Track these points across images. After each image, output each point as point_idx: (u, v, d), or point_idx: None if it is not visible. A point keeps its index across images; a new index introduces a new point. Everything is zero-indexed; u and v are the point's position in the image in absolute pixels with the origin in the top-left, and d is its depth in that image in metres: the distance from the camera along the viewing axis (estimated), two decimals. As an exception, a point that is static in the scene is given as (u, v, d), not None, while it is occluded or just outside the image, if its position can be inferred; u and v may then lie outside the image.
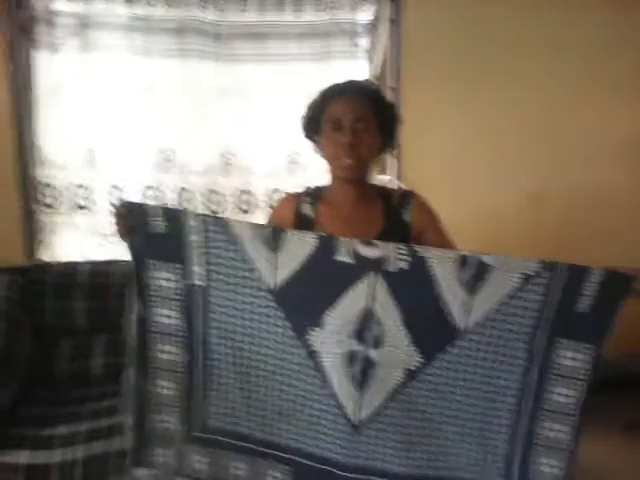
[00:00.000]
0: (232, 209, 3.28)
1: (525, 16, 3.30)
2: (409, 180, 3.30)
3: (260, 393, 1.58)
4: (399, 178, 3.35)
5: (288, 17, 3.21)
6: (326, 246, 1.45)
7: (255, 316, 1.52)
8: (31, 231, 3.17)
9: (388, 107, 1.72)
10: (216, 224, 1.52)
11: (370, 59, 3.27)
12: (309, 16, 3.22)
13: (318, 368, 1.51)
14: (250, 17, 3.18)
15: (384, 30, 3.24)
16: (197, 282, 1.55)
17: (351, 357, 1.49)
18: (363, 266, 1.45)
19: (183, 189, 3.26)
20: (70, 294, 2.95)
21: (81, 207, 3.20)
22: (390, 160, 3.36)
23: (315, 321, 1.47)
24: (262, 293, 1.50)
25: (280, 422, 1.58)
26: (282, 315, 1.50)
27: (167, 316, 1.58)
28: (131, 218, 1.57)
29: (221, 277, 1.53)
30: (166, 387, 1.60)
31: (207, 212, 3.24)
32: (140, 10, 3.09)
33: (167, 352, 1.59)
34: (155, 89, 3.16)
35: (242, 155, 3.25)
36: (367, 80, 1.75)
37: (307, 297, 1.49)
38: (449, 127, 3.37)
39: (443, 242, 1.70)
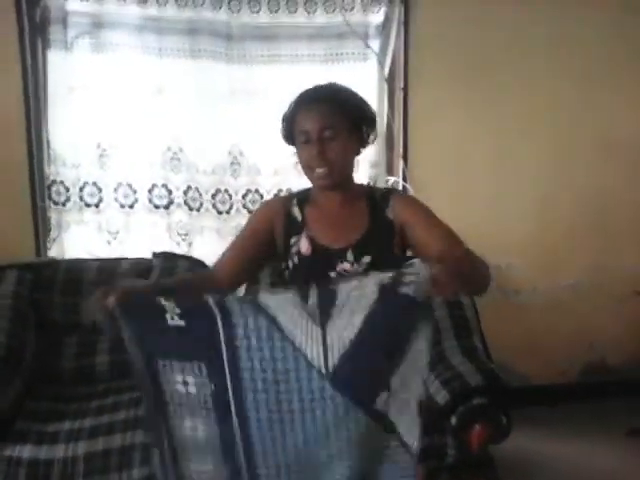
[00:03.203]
0: (239, 209, 3.30)
1: (532, 17, 3.30)
2: (415, 180, 3.31)
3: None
4: (405, 178, 3.35)
5: (300, 18, 3.22)
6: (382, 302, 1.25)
7: (307, 405, 1.29)
8: (41, 228, 3.21)
9: (357, 106, 1.69)
10: (248, 303, 1.28)
11: (380, 61, 3.28)
12: (321, 18, 3.23)
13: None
14: (262, 18, 3.20)
15: (394, 31, 3.25)
16: (228, 382, 1.29)
17: None
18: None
19: (190, 188, 3.29)
20: (78, 291, 2.97)
21: (90, 205, 3.23)
22: (396, 160, 3.37)
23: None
24: (314, 377, 1.28)
25: None
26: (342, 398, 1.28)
27: (192, 428, 1.34)
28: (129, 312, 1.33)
29: (257, 371, 1.28)
30: None
31: (214, 212, 3.29)
32: (153, 10, 3.11)
33: (204, 472, 1.36)
34: (166, 89, 3.18)
35: (250, 155, 3.27)
36: (333, 83, 1.73)
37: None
38: (456, 127, 3.37)
39: (431, 235, 1.65)
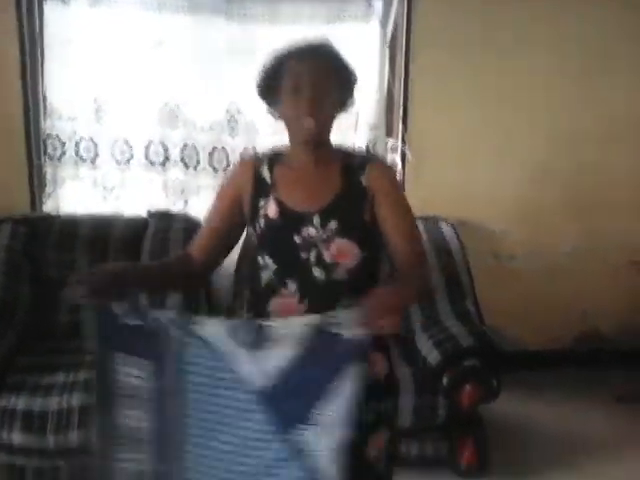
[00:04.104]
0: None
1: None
2: (414, 144, 3.29)
3: None
4: (404, 142, 3.34)
5: (302, -24, 3.17)
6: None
7: (235, 416, 1.40)
8: (36, 182, 3.19)
9: (346, 67, 1.65)
10: (190, 327, 1.40)
11: (382, 23, 3.23)
12: (323, -24, 3.18)
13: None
14: (263, -25, 3.15)
15: (397, -7, 3.20)
16: (170, 383, 1.43)
17: None
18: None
19: (186, 145, 3.26)
20: (72, 246, 2.96)
21: (86, 160, 3.21)
22: (396, 123, 3.34)
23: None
24: (244, 394, 1.38)
25: None
26: (265, 416, 1.38)
27: (137, 418, 1.46)
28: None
29: (197, 378, 1.42)
30: None
31: (211, 170, 3.27)
32: (152, -36, 3.06)
33: (136, 460, 1.47)
34: (164, 44, 3.13)
35: (248, 113, 3.24)
36: (323, 39, 1.69)
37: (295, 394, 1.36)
38: (457, 93, 3.34)
39: (395, 226, 1.60)
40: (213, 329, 1.39)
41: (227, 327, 1.38)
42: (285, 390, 1.34)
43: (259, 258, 1.61)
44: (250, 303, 1.69)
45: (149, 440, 1.45)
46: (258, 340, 1.35)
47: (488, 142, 3.42)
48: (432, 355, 2.58)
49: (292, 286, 1.55)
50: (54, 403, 2.36)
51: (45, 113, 3.13)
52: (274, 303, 1.57)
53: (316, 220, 1.57)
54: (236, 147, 3.27)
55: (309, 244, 1.56)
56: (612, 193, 3.57)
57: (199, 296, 2.87)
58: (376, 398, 1.55)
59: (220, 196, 1.71)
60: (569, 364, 3.56)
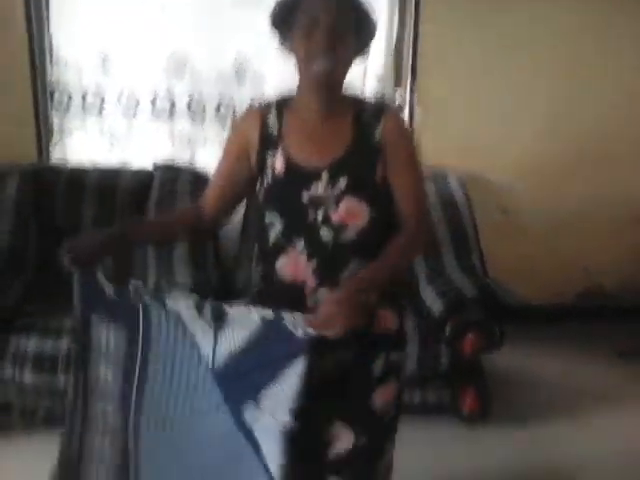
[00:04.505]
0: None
1: None
2: (423, 95, 3.26)
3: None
4: (412, 93, 3.32)
5: None
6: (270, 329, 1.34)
7: (191, 387, 1.45)
8: (43, 133, 3.19)
9: (366, 11, 1.54)
10: (157, 301, 1.45)
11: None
12: None
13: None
14: None
15: None
16: (139, 351, 1.49)
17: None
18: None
19: (193, 96, 3.25)
20: (80, 198, 2.98)
21: (93, 111, 3.20)
22: (405, 73, 3.32)
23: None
24: (201, 369, 1.43)
25: None
26: (218, 392, 1.42)
27: (105, 377, 1.54)
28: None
29: (161, 349, 1.47)
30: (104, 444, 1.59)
31: (217, 121, 3.26)
32: None
33: (106, 412, 1.56)
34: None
35: (256, 64, 3.22)
36: None
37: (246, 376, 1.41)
38: (469, 43, 3.30)
39: (404, 175, 1.53)
40: (184, 305, 1.41)
41: (196, 304, 1.40)
42: (236, 371, 1.37)
43: (266, 214, 1.55)
44: (258, 259, 1.64)
45: (113, 398, 1.53)
46: (220, 321, 1.37)
47: (496, 95, 3.39)
48: (436, 305, 2.61)
49: (300, 245, 1.50)
50: (64, 345, 2.41)
51: (51, 63, 3.11)
52: (282, 261, 1.53)
53: (325, 177, 1.48)
54: (243, 98, 3.25)
55: (316, 203, 1.49)
56: (617, 150, 3.54)
57: (207, 249, 2.90)
58: (385, 351, 1.54)
59: (227, 148, 1.63)
60: (572, 319, 3.58)
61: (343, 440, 1.54)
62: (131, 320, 1.47)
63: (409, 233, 1.50)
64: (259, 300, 1.56)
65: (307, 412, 1.33)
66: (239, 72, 3.23)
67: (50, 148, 3.20)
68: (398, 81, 3.33)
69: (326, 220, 1.48)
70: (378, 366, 1.53)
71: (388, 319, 1.55)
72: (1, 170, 2.94)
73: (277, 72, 3.18)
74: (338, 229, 1.48)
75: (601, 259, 3.64)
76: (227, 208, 1.66)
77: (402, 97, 3.31)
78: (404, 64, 3.32)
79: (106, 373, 1.51)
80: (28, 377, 2.39)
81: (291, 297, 1.49)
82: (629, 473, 2.48)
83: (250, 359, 1.35)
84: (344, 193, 1.47)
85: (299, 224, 1.50)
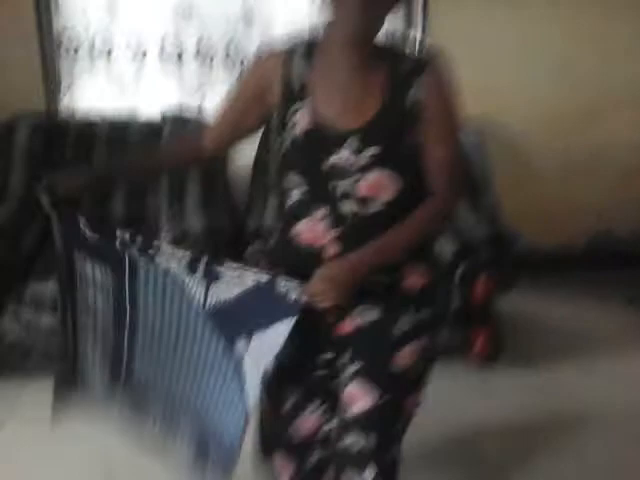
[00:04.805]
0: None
1: None
2: (435, 36, 3.21)
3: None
4: (423, 30, 3.27)
5: None
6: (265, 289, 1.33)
7: (182, 323, 1.46)
8: (51, 78, 3.16)
9: None
10: (145, 257, 1.41)
11: None
12: None
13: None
14: None
15: None
16: (126, 290, 1.48)
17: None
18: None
19: (202, 38, 3.21)
20: (89, 150, 2.98)
21: (100, 55, 3.17)
22: (417, 14, 3.26)
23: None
24: (192, 309, 1.42)
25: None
26: (211, 328, 1.43)
27: (93, 297, 1.53)
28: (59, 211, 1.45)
29: (149, 297, 1.46)
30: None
31: (226, 65, 3.22)
32: None
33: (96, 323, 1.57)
34: None
35: (264, 6, 3.16)
36: None
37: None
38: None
39: (443, 139, 1.39)
40: (175, 263, 1.38)
41: (189, 264, 1.37)
42: (227, 315, 1.37)
43: (286, 176, 1.42)
44: (279, 216, 1.53)
45: (105, 321, 1.54)
46: (213, 279, 1.35)
47: (511, 39, 3.33)
48: (447, 248, 2.62)
49: (320, 213, 1.38)
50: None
51: (58, 7, 3.07)
52: (300, 226, 1.41)
53: (353, 142, 1.33)
54: (252, 42, 3.20)
55: (341, 172, 1.35)
56: (630, 94, 3.50)
57: (218, 194, 2.91)
58: (412, 309, 1.45)
59: (241, 86, 1.49)
60: (583, 265, 3.59)
61: (363, 399, 1.48)
62: (116, 264, 1.44)
63: (436, 204, 1.39)
64: (273, 257, 1.53)
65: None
66: (247, 15, 3.18)
67: (59, 97, 3.18)
68: (410, 22, 3.28)
69: (349, 193, 1.35)
70: (404, 325, 1.44)
71: (412, 276, 1.44)
72: (11, 121, 2.93)
73: (286, 14, 3.14)
74: (364, 202, 1.36)
75: (612, 205, 3.62)
76: (229, 144, 1.58)
77: (414, 38, 3.25)
78: (415, 4, 3.26)
79: (95, 297, 1.51)
80: (45, 321, 2.44)
81: (307, 262, 1.40)
82: (634, 415, 2.53)
83: (242, 309, 1.35)
84: (372, 163, 1.33)
85: (320, 192, 1.37)
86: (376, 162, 1.33)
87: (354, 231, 1.37)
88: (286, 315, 1.28)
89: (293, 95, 1.39)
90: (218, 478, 1.51)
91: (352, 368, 1.46)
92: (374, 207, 1.36)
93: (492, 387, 2.64)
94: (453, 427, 2.38)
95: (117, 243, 1.40)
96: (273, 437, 1.65)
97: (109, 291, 1.48)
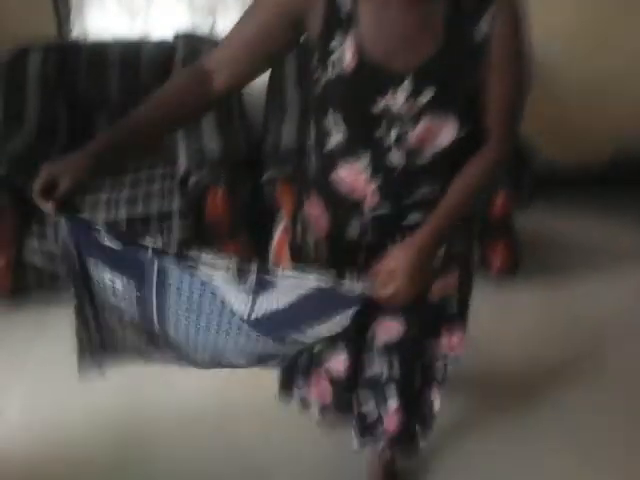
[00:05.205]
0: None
1: None
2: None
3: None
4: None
5: None
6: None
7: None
8: (62, 6, 3.09)
9: None
10: (184, 268, 1.19)
11: None
12: None
13: None
14: None
15: None
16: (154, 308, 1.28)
17: None
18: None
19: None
20: (102, 72, 2.96)
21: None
22: None
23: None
24: (234, 318, 1.27)
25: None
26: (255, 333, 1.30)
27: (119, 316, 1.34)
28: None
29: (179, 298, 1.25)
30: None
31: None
32: None
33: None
34: None
35: None
36: None
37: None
38: None
39: (506, 78, 1.22)
40: (216, 269, 1.18)
41: (235, 270, 1.17)
42: (275, 322, 1.26)
43: (326, 116, 1.26)
44: (317, 156, 1.36)
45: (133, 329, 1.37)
46: (262, 288, 1.18)
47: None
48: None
49: (364, 161, 1.26)
50: (101, 217, 2.47)
51: None
52: (340, 172, 1.30)
53: (407, 84, 1.17)
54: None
55: (392, 118, 1.21)
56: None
57: (234, 115, 2.88)
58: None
59: (266, 7, 1.22)
60: (602, 184, 3.54)
61: (391, 330, 1.49)
62: (140, 277, 1.22)
63: (491, 155, 1.25)
64: (312, 190, 1.41)
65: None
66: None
67: (69, 24, 3.13)
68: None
69: (400, 140, 1.22)
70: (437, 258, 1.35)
71: None
72: (22, 49, 2.90)
73: None
74: (414, 153, 1.24)
75: (632, 125, 3.54)
76: (246, 75, 1.27)
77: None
78: None
79: (118, 303, 1.30)
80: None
81: (347, 210, 1.33)
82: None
83: (295, 313, 1.23)
84: (428, 108, 1.19)
85: (366, 137, 1.24)
86: (432, 106, 1.19)
87: (398, 184, 1.27)
88: (348, 307, 1.21)
89: (338, 25, 1.19)
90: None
91: None
92: (424, 158, 1.25)
93: (511, 302, 2.66)
94: (471, 342, 2.36)
95: (149, 252, 1.16)
96: (301, 370, 1.67)
97: (132, 301, 1.29)
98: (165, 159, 2.76)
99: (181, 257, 1.17)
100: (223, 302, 1.21)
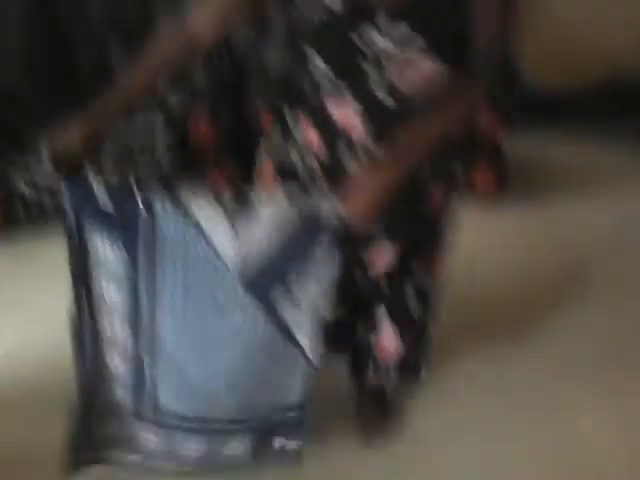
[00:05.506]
0: None
1: None
2: None
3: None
4: None
5: None
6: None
7: (209, 289, 1.34)
8: None
9: None
10: (177, 209, 1.25)
11: None
12: None
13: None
14: None
15: None
16: (143, 275, 1.33)
17: None
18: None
19: None
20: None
21: None
22: None
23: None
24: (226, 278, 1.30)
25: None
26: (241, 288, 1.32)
27: (113, 291, 1.37)
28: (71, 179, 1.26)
29: (172, 258, 1.31)
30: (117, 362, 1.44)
31: None
32: None
33: (115, 329, 1.40)
34: None
35: None
36: None
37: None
38: None
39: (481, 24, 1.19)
40: (210, 213, 1.25)
41: (226, 210, 1.24)
42: (264, 272, 1.28)
43: (308, 51, 1.27)
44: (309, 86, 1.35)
45: (122, 314, 1.40)
46: (248, 226, 1.24)
47: None
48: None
49: (350, 96, 1.26)
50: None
51: None
52: (332, 104, 1.29)
53: (383, 18, 1.17)
54: None
55: (374, 56, 1.20)
56: None
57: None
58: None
59: None
60: (593, 108, 3.50)
61: (388, 257, 1.46)
62: (132, 233, 1.29)
63: (469, 89, 1.25)
64: (306, 123, 1.38)
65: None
66: None
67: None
68: None
69: (383, 77, 1.22)
70: (426, 170, 1.37)
71: None
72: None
73: None
74: (397, 89, 1.23)
75: (624, 48, 3.50)
76: (231, 26, 1.34)
77: None
78: None
79: (108, 289, 1.37)
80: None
81: (338, 137, 1.33)
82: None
83: (278, 253, 1.26)
84: (406, 42, 1.18)
85: (349, 74, 1.24)
86: (409, 42, 1.17)
87: (384, 119, 1.27)
88: (320, 235, 1.23)
89: None
90: (291, 452, 1.49)
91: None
92: (409, 93, 1.24)
93: (496, 225, 2.66)
94: (458, 266, 2.34)
95: (139, 203, 1.25)
96: None
97: (122, 277, 1.35)
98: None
99: (168, 195, 1.24)
100: (216, 253, 1.26)
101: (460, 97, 1.25)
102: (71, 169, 1.24)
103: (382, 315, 1.55)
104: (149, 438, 1.48)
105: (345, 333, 1.59)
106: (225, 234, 1.25)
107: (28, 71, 2.71)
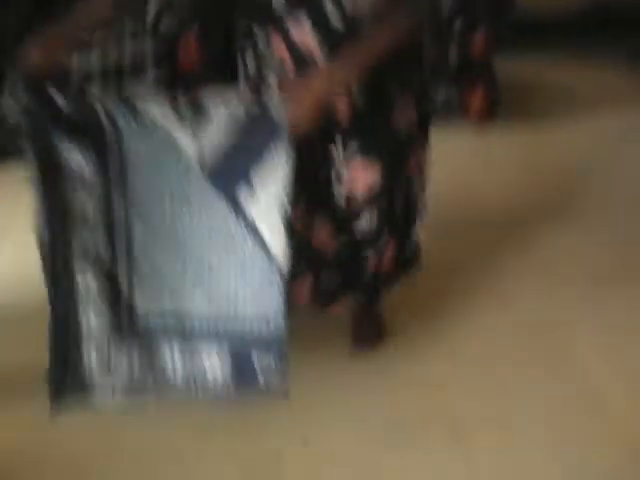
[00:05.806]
0: None
1: None
2: None
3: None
4: None
5: None
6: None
7: (179, 190, 1.35)
8: None
9: None
10: (127, 107, 1.28)
11: None
12: None
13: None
14: None
15: None
16: (112, 174, 1.34)
17: None
18: None
19: None
20: None
21: None
22: None
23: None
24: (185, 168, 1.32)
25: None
26: (214, 190, 1.33)
27: (82, 202, 1.36)
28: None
29: (139, 166, 1.34)
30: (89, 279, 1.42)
31: None
32: None
33: (87, 239, 1.39)
34: None
35: None
36: None
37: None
38: None
39: None
40: (159, 109, 1.28)
41: (172, 104, 1.27)
42: (223, 161, 1.30)
43: None
44: None
45: (95, 225, 1.39)
46: (201, 118, 1.27)
47: None
48: (445, 1, 2.54)
49: (304, 16, 1.31)
50: (74, 70, 2.39)
51: None
52: (289, 24, 1.34)
53: None
54: None
55: None
56: None
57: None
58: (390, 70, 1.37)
59: None
60: (584, 29, 3.46)
61: (366, 174, 1.47)
62: (98, 136, 1.31)
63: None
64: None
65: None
66: None
67: None
68: None
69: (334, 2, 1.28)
70: (390, 85, 1.41)
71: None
72: None
73: None
74: (350, 16, 1.29)
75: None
76: None
77: None
78: None
79: (79, 198, 1.36)
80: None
81: (302, 62, 1.37)
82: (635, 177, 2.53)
83: (236, 148, 1.29)
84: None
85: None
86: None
87: (338, 38, 1.30)
88: (281, 140, 1.25)
89: None
90: (273, 373, 1.41)
91: (351, 147, 1.44)
92: (360, 10, 1.29)
93: (490, 147, 2.65)
94: (453, 187, 2.30)
95: (102, 114, 1.28)
96: None
97: (93, 185, 1.36)
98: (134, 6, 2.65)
99: (127, 104, 1.28)
100: (183, 154, 1.29)
101: (401, 7, 1.29)
102: (38, 85, 1.23)
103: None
104: (132, 354, 1.46)
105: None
106: (185, 135, 1.28)
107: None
